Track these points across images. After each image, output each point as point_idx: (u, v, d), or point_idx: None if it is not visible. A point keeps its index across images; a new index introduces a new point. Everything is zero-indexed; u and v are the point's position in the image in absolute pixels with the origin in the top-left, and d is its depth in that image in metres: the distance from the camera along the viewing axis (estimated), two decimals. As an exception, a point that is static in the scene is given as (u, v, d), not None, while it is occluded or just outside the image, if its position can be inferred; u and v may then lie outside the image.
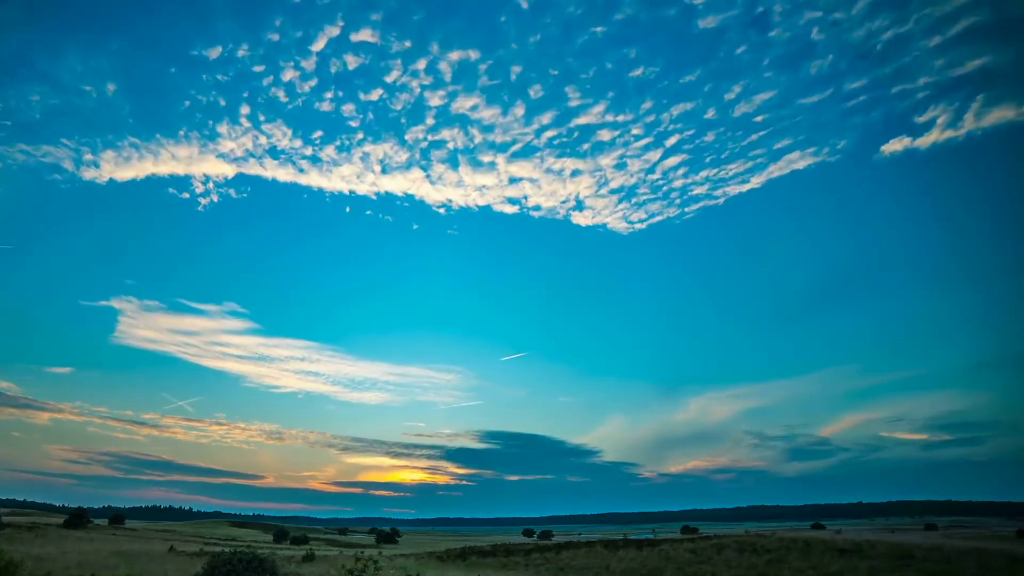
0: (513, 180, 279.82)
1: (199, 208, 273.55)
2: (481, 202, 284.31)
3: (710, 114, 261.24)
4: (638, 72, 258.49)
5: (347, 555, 34.37)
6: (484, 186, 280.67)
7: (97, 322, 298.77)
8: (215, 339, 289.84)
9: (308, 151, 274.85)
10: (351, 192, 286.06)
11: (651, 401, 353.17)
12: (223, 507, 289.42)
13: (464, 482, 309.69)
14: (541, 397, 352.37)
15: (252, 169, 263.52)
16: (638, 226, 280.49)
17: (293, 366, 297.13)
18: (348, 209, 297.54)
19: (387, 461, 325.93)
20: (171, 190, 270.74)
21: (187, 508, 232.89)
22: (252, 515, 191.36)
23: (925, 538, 36.88)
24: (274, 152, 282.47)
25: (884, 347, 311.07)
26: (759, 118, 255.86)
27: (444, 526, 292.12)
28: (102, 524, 63.39)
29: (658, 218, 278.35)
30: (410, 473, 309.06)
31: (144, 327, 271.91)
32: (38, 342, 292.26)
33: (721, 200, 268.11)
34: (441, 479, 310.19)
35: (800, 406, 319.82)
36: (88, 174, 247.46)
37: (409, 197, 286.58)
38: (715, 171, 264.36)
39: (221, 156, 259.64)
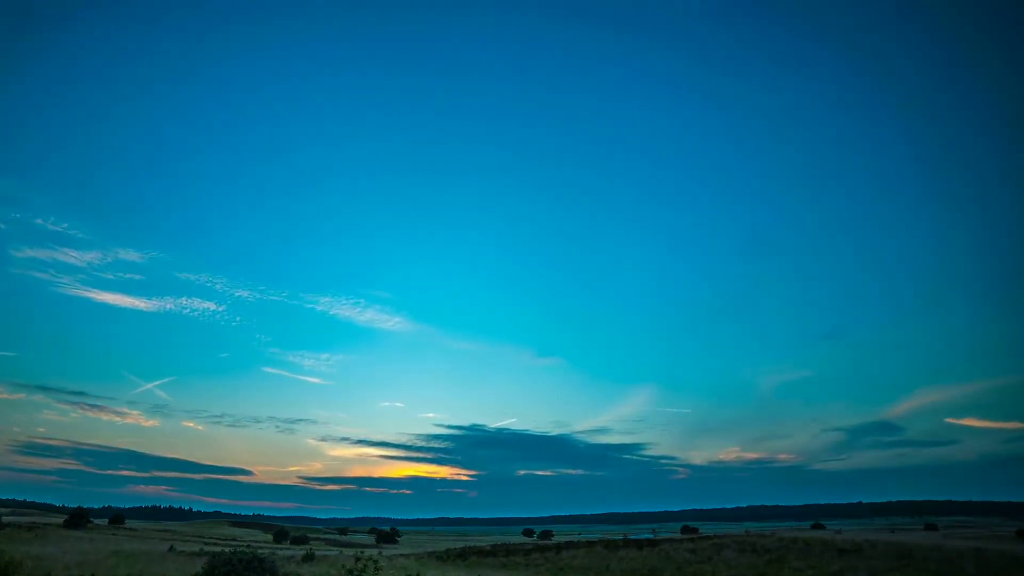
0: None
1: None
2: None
3: None
4: None
5: (347, 555, 34.34)
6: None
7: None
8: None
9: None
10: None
11: (688, 370, 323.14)
12: (213, 505, 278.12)
13: (464, 477, 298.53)
14: (542, 373, 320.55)
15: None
16: None
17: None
18: None
19: (373, 452, 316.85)
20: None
21: (187, 508, 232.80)
22: (252, 515, 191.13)
23: (925, 538, 36.88)
24: None
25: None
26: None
27: (444, 526, 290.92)
28: (102, 524, 63.43)
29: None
30: (404, 469, 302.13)
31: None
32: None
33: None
34: (439, 472, 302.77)
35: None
36: None
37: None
38: None
39: None
